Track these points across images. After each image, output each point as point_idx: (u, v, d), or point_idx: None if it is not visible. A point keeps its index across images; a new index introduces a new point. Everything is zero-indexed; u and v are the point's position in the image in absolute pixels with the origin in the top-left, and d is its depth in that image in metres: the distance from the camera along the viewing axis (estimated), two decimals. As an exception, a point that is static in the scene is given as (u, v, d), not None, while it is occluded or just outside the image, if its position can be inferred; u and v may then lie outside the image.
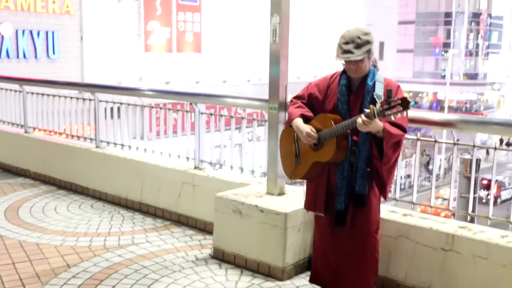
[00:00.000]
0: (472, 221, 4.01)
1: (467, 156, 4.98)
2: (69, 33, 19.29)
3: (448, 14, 48.43)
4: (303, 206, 4.06)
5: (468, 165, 4.88)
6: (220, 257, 4.37)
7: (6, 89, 7.38)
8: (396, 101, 2.95)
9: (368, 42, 3.23)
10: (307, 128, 3.36)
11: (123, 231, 5.04)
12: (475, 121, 3.95)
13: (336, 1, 30.19)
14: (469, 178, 4.88)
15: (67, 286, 3.86)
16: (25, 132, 7.06)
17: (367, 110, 3.04)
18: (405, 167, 28.98)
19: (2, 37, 17.59)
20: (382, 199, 3.52)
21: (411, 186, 27.70)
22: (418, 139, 4.00)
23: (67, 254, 4.46)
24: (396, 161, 3.34)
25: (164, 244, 4.72)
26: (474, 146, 3.95)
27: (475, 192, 4.55)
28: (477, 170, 4.64)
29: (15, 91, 7.20)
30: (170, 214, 5.32)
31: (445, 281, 3.60)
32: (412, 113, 3.95)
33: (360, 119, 3.05)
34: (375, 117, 3.01)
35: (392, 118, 3.01)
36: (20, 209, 5.59)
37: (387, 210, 3.97)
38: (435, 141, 4.00)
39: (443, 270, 3.61)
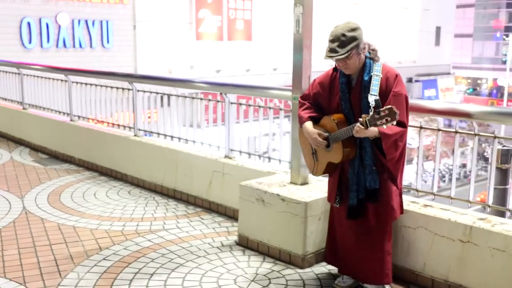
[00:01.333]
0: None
1: (499, 146, 4.87)
2: (123, 22, 19.76)
3: (510, -4, 46.45)
4: (324, 196, 4.17)
5: (499, 156, 4.78)
6: (245, 244, 4.48)
7: (53, 79, 7.72)
8: (385, 111, 3.01)
9: (353, 39, 3.24)
10: (314, 134, 3.47)
11: (156, 217, 5.23)
12: (495, 112, 3.86)
13: (391, -14, 29.56)
14: (503, 170, 4.79)
15: (97, 268, 4.08)
16: (71, 120, 7.39)
17: (360, 119, 3.12)
18: (460, 156, 28.26)
19: (59, 27, 18.19)
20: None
21: (466, 176, 26.99)
22: (456, 132, 3.91)
23: (100, 237, 4.69)
24: (402, 154, 3.36)
25: (193, 230, 4.88)
26: (475, 134, 3.80)
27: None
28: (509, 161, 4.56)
29: (61, 80, 7.54)
30: (202, 201, 5.47)
31: (462, 273, 3.57)
32: (432, 103, 3.93)
33: (356, 128, 3.13)
34: (367, 127, 3.08)
35: (384, 127, 3.06)
36: (62, 194, 5.90)
37: (408, 201, 3.96)
38: (475, 134, 3.83)
39: (460, 261, 3.58)
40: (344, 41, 3.22)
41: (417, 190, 4.14)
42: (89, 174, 6.75)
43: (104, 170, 6.72)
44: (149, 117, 6.45)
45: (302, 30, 4.20)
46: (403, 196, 3.68)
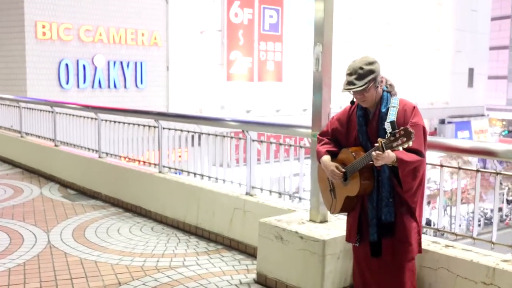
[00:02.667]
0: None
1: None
2: (156, 63, 20.27)
3: (545, 38, 45.93)
4: (344, 234, 4.11)
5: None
6: (263, 282, 4.44)
7: (84, 117, 7.94)
8: (400, 132, 2.97)
9: (371, 72, 3.26)
10: (332, 166, 3.43)
11: (176, 253, 5.24)
12: None
13: (424, 28, 29.65)
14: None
15: (114, 303, 4.09)
16: (99, 157, 7.55)
17: (376, 145, 3.08)
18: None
19: (95, 68, 18.76)
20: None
21: (502, 220, 26.21)
22: (478, 171, 3.84)
23: (120, 272, 4.71)
24: (420, 186, 3.30)
25: (212, 268, 4.86)
26: None
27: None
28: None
29: (91, 118, 7.74)
30: (223, 239, 5.46)
31: (485, 317, 3.45)
32: (474, 143, 3.86)
33: (374, 154, 3.09)
34: (383, 150, 3.04)
35: (400, 149, 3.02)
36: (86, 229, 5.97)
37: (428, 241, 3.88)
38: (497, 173, 3.77)
39: (483, 305, 3.46)
40: (362, 74, 3.25)
41: (438, 230, 4.05)
42: (115, 210, 6.84)
43: (129, 206, 6.80)
44: (179, 156, 6.53)
45: (321, 68, 4.25)
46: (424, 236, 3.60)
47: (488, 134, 35.40)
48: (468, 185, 26.11)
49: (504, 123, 48.16)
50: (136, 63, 19.73)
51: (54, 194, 7.71)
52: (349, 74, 3.29)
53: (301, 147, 4.94)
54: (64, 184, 8.23)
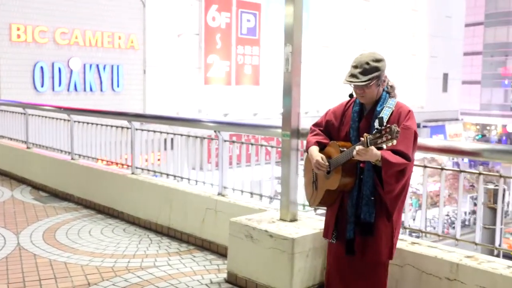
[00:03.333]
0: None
1: (491, 186, 4.85)
2: (133, 67, 20.16)
3: (517, 44, 46.91)
4: (313, 232, 4.14)
5: (491, 195, 4.76)
6: (233, 281, 4.45)
7: (57, 118, 7.87)
8: (386, 129, 2.91)
9: (376, 69, 3.22)
10: (317, 157, 3.39)
11: (148, 254, 5.22)
12: (502, 150, 3.83)
13: (398, 33, 30.02)
14: (493, 209, 4.75)
15: (83, 303, 4.06)
16: (72, 159, 7.49)
17: (362, 139, 3.04)
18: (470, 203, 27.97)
19: (71, 71, 18.59)
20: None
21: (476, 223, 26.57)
22: (461, 171, 3.89)
23: (90, 273, 4.68)
24: (402, 191, 3.26)
25: (183, 268, 4.86)
26: (500, 176, 3.75)
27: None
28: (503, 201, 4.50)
29: (64, 120, 7.68)
30: (195, 239, 5.46)
31: (449, 312, 3.51)
32: (442, 142, 3.90)
33: (356, 149, 3.04)
34: (368, 146, 2.99)
35: (384, 146, 2.98)
36: (57, 231, 5.91)
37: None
38: (479, 173, 3.80)
39: (447, 300, 3.53)
40: (367, 69, 3.21)
41: (421, 231, 4.09)
42: (87, 212, 6.79)
43: (101, 208, 6.75)
44: (158, 160, 6.49)
45: (291, 68, 4.30)
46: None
47: (462, 138, 35.96)
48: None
49: (478, 127, 49.00)
50: (112, 66, 19.59)
51: (25, 196, 7.62)
52: (354, 67, 3.25)
53: (272, 146, 4.98)
54: (36, 187, 8.14)
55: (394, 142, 2.93)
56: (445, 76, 33.77)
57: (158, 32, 20.55)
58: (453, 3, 34.33)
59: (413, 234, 4.46)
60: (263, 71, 23.96)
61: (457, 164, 28.50)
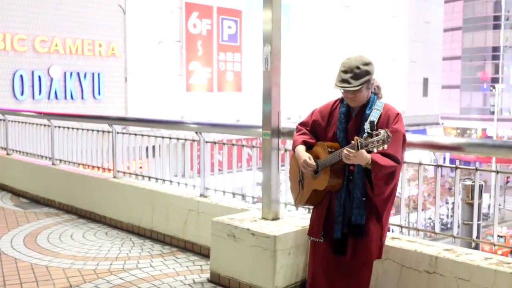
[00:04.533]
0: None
1: (468, 182, 4.92)
2: (114, 74, 20.07)
3: (495, 49, 47.66)
4: (295, 230, 4.17)
5: (469, 191, 4.82)
6: (216, 281, 4.46)
7: (37, 124, 7.82)
8: (377, 133, 2.94)
9: (367, 73, 3.25)
10: (305, 156, 3.41)
11: (130, 256, 5.21)
12: (481, 144, 3.91)
13: (378, 38, 30.32)
14: (471, 205, 4.82)
15: (65, 305, 4.04)
16: (52, 164, 7.44)
17: (352, 142, 3.06)
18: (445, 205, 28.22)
19: (51, 79, 18.45)
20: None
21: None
22: (457, 167, 3.88)
23: (72, 276, 4.66)
24: (392, 193, 3.30)
25: (166, 269, 4.85)
26: (476, 169, 3.83)
27: (478, 219, 4.47)
28: (480, 196, 4.57)
29: (44, 125, 7.63)
30: (178, 241, 5.46)
31: (429, 305, 3.56)
32: (421, 137, 3.97)
33: (344, 151, 3.07)
34: (358, 149, 3.01)
35: (375, 150, 3.00)
36: (38, 236, 5.87)
37: (376, 234, 3.98)
38: (476, 169, 3.84)
39: (427, 293, 3.58)
40: (358, 74, 3.22)
41: (417, 230, 4.15)
42: (68, 217, 6.74)
43: (83, 212, 6.71)
44: (140, 167, 6.44)
45: (270, 68, 4.34)
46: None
47: (443, 142, 36.29)
48: (425, 192, 26.69)
49: (458, 131, 49.58)
50: (93, 74, 19.47)
51: (5, 203, 7.54)
52: (344, 72, 3.25)
53: (253, 146, 5.01)
54: (16, 193, 8.06)
55: (385, 146, 2.96)
56: (425, 80, 34.15)
57: (139, 39, 20.50)
58: (432, 9, 34.81)
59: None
60: (245, 78, 24.00)
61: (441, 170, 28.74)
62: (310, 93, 24.73)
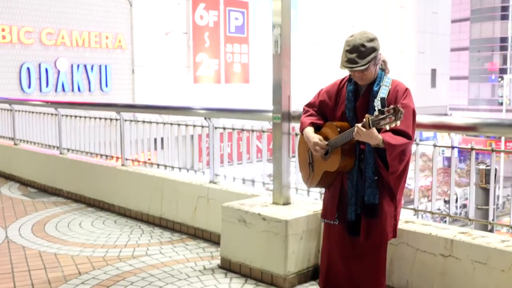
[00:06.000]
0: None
1: (482, 166, 4.84)
2: (121, 66, 20.03)
3: (504, 39, 47.22)
4: (306, 215, 4.10)
5: (483, 176, 4.75)
6: (227, 267, 4.40)
7: (44, 113, 7.78)
8: (389, 110, 2.85)
9: (373, 50, 3.15)
10: (315, 138, 3.33)
11: (140, 243, 5.16)
12: (496, 123, 3.77)
13: (386, 29, 30.12)
14: (484, 189, 4.74)
15: (74, 291, 4.00)
16: (60, 153, 7.40)
17: (364, 120, 2.97)
18: (460, 198, 28.09)
19: (58, 71, 18.42)
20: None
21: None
22: (472, 149, 3.76)
23: (81, 263, 4.61)
24: (405, 170, 3.22)
25: (176, 256, 4.80)
26: (492, 150, 3.67)
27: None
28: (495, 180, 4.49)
29: (51, 114, 7.59)
30: (187, 228, 5.40)
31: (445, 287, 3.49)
32: (434, 118, 3.87)
33: (356, 128, 2.98)
34: (370, 127, 2.93)
35: (387, 127, 2.91)
36: (47, 224, 5.83)
37: (389, 217, 3.90)
38: (472, 149, 3.74)
39: (443, 276, 3.50)
40: (364, 52, 3.11)
41: (432, 213, 4.07)
42: (77, 205, 6.70)
43: (91, 201, 6.67)
44: (149, 159, 6.38)
45: (280, 50, 4.26)
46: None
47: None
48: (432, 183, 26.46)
49: (467, 122, 49.23)
50: (100, 66, 19.44)
51: (13, 192, 7.52)
52: (349, 51, 3.14)
53: (263, 131, 4.93)
54: (24, 183, 8.04)
55: (398, 123, 2.87)
56: (433, 71, 33.90)
57: (146, 31, 20.44)
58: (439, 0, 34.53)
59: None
60: (253, 69, 23.89)
61: (448, 159, 28.59)
62: (318, 84, 24.57)
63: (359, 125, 2.99)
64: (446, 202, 24.69)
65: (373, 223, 3.25)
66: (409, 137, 3.11)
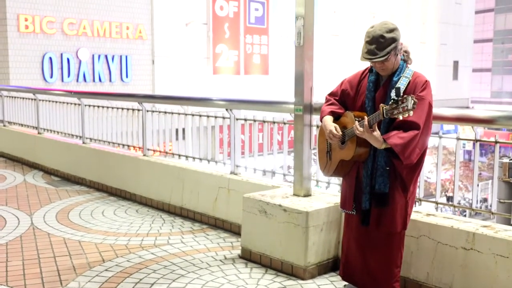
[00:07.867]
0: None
1: (506, 160, 4.80)
2: (142, 57, 20.14)
3: (528, 31, 46.40)
4: (327, 206, 4.13)
5: (507, 169, 4.71)
6: (247, 257, 4.45)
7: (67, 103, 7.89)
8: (403, 99, 2.89)
9: (393, 40, 3.15)
10: (331, 127, 3.38)
11: (161, 232, 5.23)
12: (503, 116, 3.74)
13: (407, 20, 29.79)
14: (508, 183, 4.71)
15: (98, 278, 4.07)
16: (83, 143, 7.50)
17: (379, 110, 3.02)
18: (481, 191, 27.76)
19: (80, 61, 18.60)
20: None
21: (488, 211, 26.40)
22: (496, 142, 3.73)
23: (104, 251, 4.70)
24: (419, 163, 3.23)
25: (197, 245, 4.86)
26: None
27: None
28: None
29: (75, 104, 7.69)
30: (208, 218, 5.46)
31: (466, 281, 3.49)
32: (456, 111, 3.85)
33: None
34: (384, 116, 2.98)
35: (400, 117, 2.95)
36: (70, 212, 5.94)
37: (410, 210, 3.90)
38: (496, 142, 3.73)
39: (464, 269, 3.50)
40: (383, 43, 3.13)
41: (454, 206, 4.07)
42: (99, 194, 6.81)
43: (113, 190, 6.77)
44: (170, 150, 6.43)
45: (303, 42, 4.26)
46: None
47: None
48: (452, 177, 26.26)
49: (488, 115, 48.57)
50: (121, 56, 19.58)
51: (37, 180, 7.66)
52: (369, 43, 3.17)
53: (284, 123, 4.95)
54: (48, 171, 8.18)
55: (411, 113, 2.91)
56: (455, 63, 33.48)
57: (166, 22, 20.51)
58: (462, -10, 34.02)
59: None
60: (272, 61, 23.85)
61: (469, 152, 28.30)
62: (338, 76, 24.49)
63: (373, 116, 3.05)
64: (449, 198, 24.48)
65: (383, 212, 3.30)
66: (417, 127, 3.11)
